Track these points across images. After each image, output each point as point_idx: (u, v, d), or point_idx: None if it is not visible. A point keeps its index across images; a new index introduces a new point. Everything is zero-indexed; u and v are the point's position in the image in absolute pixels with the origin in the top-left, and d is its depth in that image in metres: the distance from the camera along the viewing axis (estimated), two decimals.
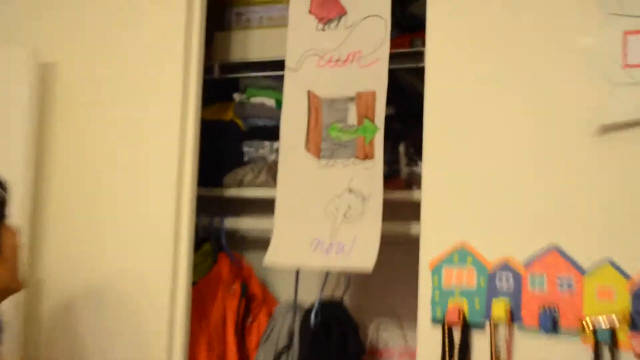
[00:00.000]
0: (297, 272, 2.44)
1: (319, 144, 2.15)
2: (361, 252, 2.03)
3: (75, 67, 2.39)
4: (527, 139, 1.85)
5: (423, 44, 2.05)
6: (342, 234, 2.07)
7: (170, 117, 2.26)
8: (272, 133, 2.39)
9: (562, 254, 1.77)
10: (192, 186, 2.27)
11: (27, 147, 2.27)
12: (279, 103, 2.35)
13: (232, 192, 2.52)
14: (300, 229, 2.14)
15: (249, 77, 2.55)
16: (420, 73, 2.03)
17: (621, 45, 1.74)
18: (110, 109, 2.34)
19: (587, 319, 1.73)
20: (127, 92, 2.33)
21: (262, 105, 2.53)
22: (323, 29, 2.19)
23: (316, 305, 2.34)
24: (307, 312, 2.37)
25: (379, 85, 2.08)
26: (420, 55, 2.11)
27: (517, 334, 1.80)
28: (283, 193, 2.19)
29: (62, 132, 2.39)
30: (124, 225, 2.19)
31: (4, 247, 1.48)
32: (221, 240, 2.57)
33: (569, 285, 1.76)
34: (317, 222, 2.12)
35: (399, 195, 2.22)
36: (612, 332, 1.70)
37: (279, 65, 2.28)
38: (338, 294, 2.46)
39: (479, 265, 1.85)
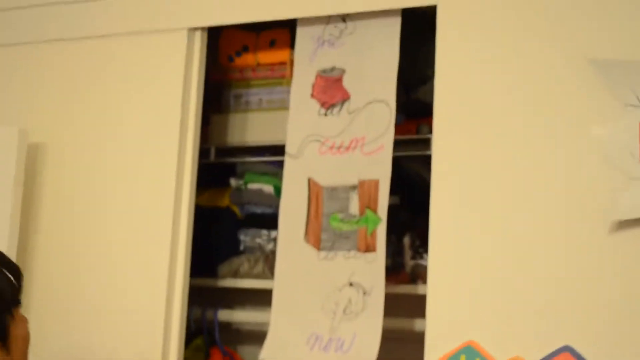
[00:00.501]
0: None
1: (319, 234, 2.15)
2: (361, 349, 2.01)
3: (66, 149, 2.41)
4: (539, 233, 1.84)
5: (430, 130, 2.07)
6: (342, 330, 2.06)
7: (163, 203, 2.26)
8: (270, 221, 2.39)
9: (575, 355, 1.76)
10: (184, 276, 2.26)
11: (11, 230, 2.27)
12: (277, 190, 2.35)
13: (227, 282, 2.50)
14: (298, 324, 2.12)
15: (247, 162, 2.57)
16: (427, 161, 2.04)
17: (638, 138, 1.76)
18: (101, 193, 2.35)
19: None
20: (119, 177, 2.33)
21: (260, 191, 2.53)
22: (325, 114, 2.21)
23: None
24: None
25: (383, 173, 2.09)
26: (427, 142, 2.13)
27: None
28: (280, 285, 2.18)
29: (48, 213, 2.39)
30: (111, 318, 2.16)
31: (14, 338, 1.46)
32: (214, 334, 2.54)
33: None
34: (315, 316, 2.10)
35: (403, 289, 2.21)
36: None
37: (279, 150, 2.29)
38: None
39: None
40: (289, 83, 2.33)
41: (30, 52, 2.50)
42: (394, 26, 2.15)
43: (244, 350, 2.62)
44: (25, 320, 1.52)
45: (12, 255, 2.19)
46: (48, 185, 2.41)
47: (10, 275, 1.49)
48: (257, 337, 2.26)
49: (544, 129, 1.87)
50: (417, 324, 2.10)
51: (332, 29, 2.24)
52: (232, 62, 2.53)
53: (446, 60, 2.00)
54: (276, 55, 2.47)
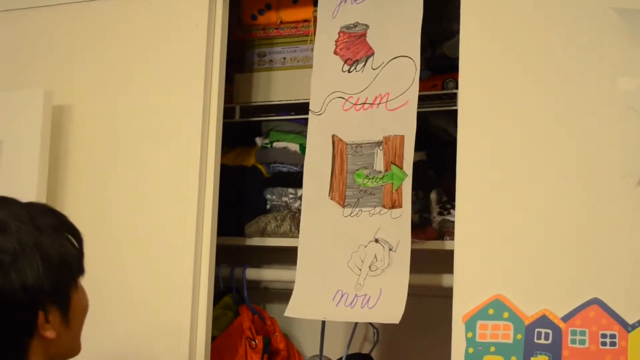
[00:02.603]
0: (323, 326, 2.43)
1: (344, 191, 2.14)
2: (388, 305, 2.01)
3: (90, 111, 2.41)
4: (567, 187, 1.83)
5: (456, 85, 2.06)
6: (368, 286, 2.05)
7: (189, 163, 2.26)
8: (296, 179, 2.39)
9: (605, 308, 1.74)
10: (211, 235, 2.26)
11: (39, 192, 2.28)
12: (303, 148, 2.34)
13: (254, 241, 2.52)
14: (324, 281, 2.13)
15: (272, 121, 2.56)
16: (453, 116, 2.03)
17: None
18: (126, 153, 2.35)
19: None
20: (144, 137, 2.34)
21: (285, 150, 2.53)
22: (349, 71, 2.19)
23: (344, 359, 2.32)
24: None
25: (408, 129, 2.07)
26: (452, 98, 2.12)
27: None
28: (306, 243, 2.18)
29: (75, 176, 2.40)
30: (140, 277, 2.18)
31: (74, 309, 1.43)
32: (242, 292, 2.56)
33: (613, 343, 1.73)
34: (341, 273, 2.10)
35: (430, 245, 2.21)
36: None
37: (303, 108, 2.29)
38: (366, 348, 2.44)
39: (515, 319, 1.82)
40: (312, 41, 2.31)
41: (54, 14, 2.50)
42: None
43: (272, 308, 2.65)
44: (84, 291, 1.50)
45: None
46: (74, 146, 2.41)
47: (75, 242, 1.46)
48: (284, 294, 2.26)
49: (570, 82, 1.85)
50: (445, 279, 2.10)
51: None
52: (255, 21, 2.52)
53: (472, 13, 1.97)
54: (299, 13, 2.46)
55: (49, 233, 1.39)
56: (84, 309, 1.47)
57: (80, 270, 1.46)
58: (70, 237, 1.44)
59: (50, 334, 1.35)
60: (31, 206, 1.45)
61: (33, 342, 1.34)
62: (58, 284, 1.38)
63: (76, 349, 1.47)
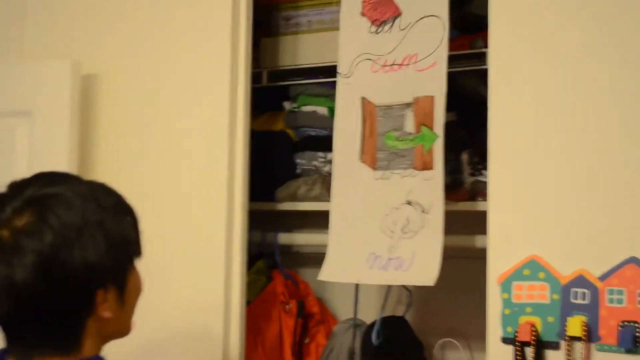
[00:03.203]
0: (357, 289, 2.44)
1: (375, 154, 2.14)
2: (421, 268, 2.01)
3: (118, 79, 2.41)
4: (602, 144, 1.81)
5: (485, 44, 2.05)
6: (401, 249, 2.06)
7: (218, 128, 2.26)
8: (325, 143, 2.38)
9: None
10: (243, 201, 2.27)
11: (70, 160, 2.29)
12: (331, 111, 2.34)
13: (286, 206, 2.52)
14: (356, 244, 2.13)
15: (300, 85, 2.55)
16: (483, 75, 2.01)
17: None
18: (155, 121, 2.36)
19: None
20: (172, 104, 2.33)
21: (314, 114, 2.52)
22: (377, 32, 2.18)
23: (377, 323, 2.33)
24: (368, 330, 2.36)
25: (438, 89, 2.06)
26: (482, 57, 2.10)
27: (595, 352, 1.77)
28: (337, 206, 2.18)
29: (105, 145, 2.41)
30: (172, 244, 2.18)
31: (129, 290, 1.44)
32: (275, 257, 2.58)
33: None
34: (373, 236, 2.11)
35: (462, 206, 2.21)
36: None
37: (331, 71, 2.27)
38: (400, 311, 2.44)
39: (551, 279, 1.82)
40: (338, 2, 2.28)
41: None
42: None
43: (305, 272, 2.66)
44: (139, 273, 1.50)
45: None
46: (103, 115, 2.42)
47: (134, 223, 1.46)
48: (317, 259, 2.26)
49: (609, 32, 1.83)
50: (478, 240, 2.09)
51: None
52: None
53: None
54: None
55: (110, 212, 1.40)
56: (138, 290, 1.48)
57: (137, 251, 1.46)
58: (129, 218, 1.45)
59: (107, 313, 1.36)
60: (92, 184, 1.46)
61: (90, 321, 1.35)
62: (118, 263, 1.39)
63: (127, 330, 1.48)
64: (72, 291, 1.32)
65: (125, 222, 1.43)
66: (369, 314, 2.44)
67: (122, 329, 1.46)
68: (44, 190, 1.36)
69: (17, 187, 1.38)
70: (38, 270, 1.28)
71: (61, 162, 2.26)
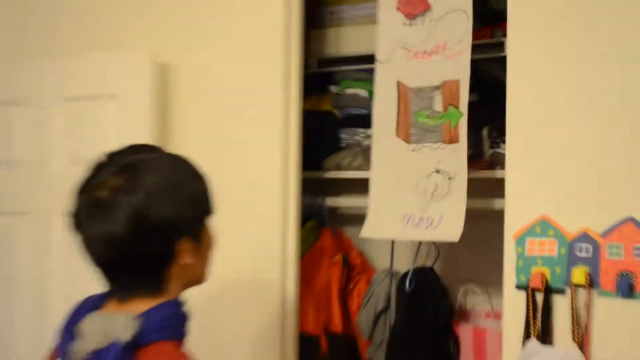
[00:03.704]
0: (392, 244, 2.47)
1: (408, 130, 2.16)
2: (448, 226, 2.04)
3: (191, 68, 2.43)
4: (605, 119, 1.82)
5: (504, 35, 2.04)
6: (431, 210, 2.08)
7: (275, 109, 2.29)
8: (365, 121, 2.41)
9: (638, 225, 1.75)
10: (296, 170, 2.30)
11: (150, 135, 2.33)
12: (370, 93, 2.35)
13: (332, 174, 2.54)
14: (393, 206, 2.16)
15: (343, 71, 2.56)
16: (501, 62, 2.01)
17: None
18: (220, 103, 2.38)
19: None
20: (235, 88, 2.36)
21: (355, 95, 2.54)
22: (410, 24, 2.18)
23: (410, 272, 2.36)
24: (402, 278, 2.39)
25: (463, 74, 2.07)
26: (501, 46, 2.11)
27: (596, 298, 1.79)
28: (376, 174, 2.21)
29: (179, 122, 2.44)
30: (239, 207, 2.21)
31: (204, 243, 1.47)
32: (323, 217, 2.62)
33: None
34: (407, 200, 2.13)
35: (483, 174, 2.21)
36: None
37: (370, 59, 2.28)
38: (429, 263, 2.47)
39: (559, 235, 1.84)
40: None
41: None
42: None
43: (348, 230, 2.68)
44: (211, 230, 1.52)
45: None
46: (176, 98, 2.44)
47: (207, 188, 1.48)
48: (358, 218, 2.29)
49: (615, 27, 1.82)
50: (496, 203, 2.11)
51: None
52: None
53: None
54: None
55: (190, 177, 1.43)
56: (211, 244, 1.50)
57: (210, 210, 1.48)
58: (203, 182, 1.47)
59: (186, 261, 1.39)
60: (174, 155, 1.48)
61: (172, 268, 1.39)
62: (194, 219, 1.42)
63: (204, 277, 1.51)
64: (158, 241, 1.35)
65: (201, 186, 1.45)
66: (403, 265, 2.45)
67: (199, 277, 1.49)
68: (136, 157, 1.40)
69: (112, 156, 1.41)
70: (132, 222, 1.31)
71: (143, 136, 2.29)
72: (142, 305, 1.36)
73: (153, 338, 1.32)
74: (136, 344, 1.30)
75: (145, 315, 1.33)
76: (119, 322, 1.31)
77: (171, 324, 1.36)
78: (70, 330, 1.38)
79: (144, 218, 1.32)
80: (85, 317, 1.37)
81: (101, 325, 1.32)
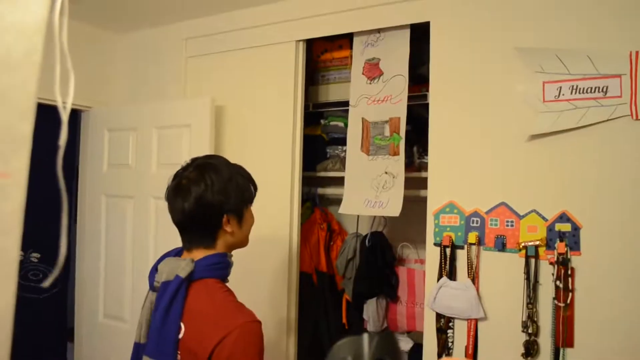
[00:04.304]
0: (358, 217, 2.46)
1: (369, 147, 2.15)
2: (392, 206, 2.02)
3: (235, 107, 2.43)
4: (487, 143, 1.81)
5: (427, 90, 2.03)
6: (382, 197, 2.07)
7: (287, 134, 2.28)
8: (343, 142, 2.39)
9: (508, 207, 1.75)
10: (299, 170, 2.29)
11: (210, 150, 2.30)
12: (346, 124, 2.34)
13: (321, 174, 2.52)
14: (359, 193, 2.14)
15: (329, 110, 2.54)
16: (425, 107, 2.01)
17: (541, 89, 1.68)
18: (254, 131, 2.37)
19: (522, 242, 1.70)
20: (263, 121, 2.35)
21: (336, 125, 2.52)
22: (370, 83, 2.17)
23: (369, 234, 2.36)
24: (364, 238, 2.38)
25: (402, 112, 2.06)
26: (425, 97, 2.10)
27: (482, 251, 1.79)
28: (349, 174, 2.19)
29: (228, 143, 2.43)
30: (265, 194, 2.19)
31: (244, 220, 1.40)
32: (315, 200, 2.60)
33: (512, 224, 1.74)
34: (367, 190, 2.12)
35: (413, 175, 2.20)
36: (536, 249, 1.68)
37: (345, 103, 2.27)
38: (380, 228, 2.47)
39: (460, 213, 1.84)
40: (350, 68, 2.28)
41: (218, 57, 2.51)
42: (406, 34, 2.09)
43: (331, 208, 2.67)
44: (252, 213, 1.47)
45: None
46: (227, 127, 2.44)
47: (252, 185, 1.44)
48: (337, 201, 2.29)
49: (491, 86, 1.82)
50: (422, 192, 2.09)
51: (372, 37, 2.19)
52: (319, 57, 2.50)
53: (436, 50, 1.95)
54: (342, 53, 2.43)
55: (237, 176, 1.40)
56: (251, 221, 1.44)
57: (250, 199, 1.43)
58: (248, 180, 1.44)
59: (229, 228, 1.36)
60: (231, 163, 1.44)
61: (220, 232, 1.36)
62: (237, 204, 1.38)
63: (244, 243, 1.45)
64: (211, 214, 1.34)
65: (245, 182, 1.42)
66: (364, 230, 2.46)
67: (242, 242, 1.43)
68: (205, 161, 1.40)
69: (192, 160, 1.42)
70: (196, 202, 1.32)
71: (205, 150, 2.29)
72: (199, 254, 1.35)
73: (202, 275, 1.31)
74: (190, 278, 1.29)
75: (199, 261, 1.33)
76: (181, 264, 1.31)
77: (215, 267, 1.33)
78: (156, 268, 1.38)
79: (202, 200, 1.32)
80: (164, 260, 1.36)
81: (170, 265, 1.33)
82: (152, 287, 1.37)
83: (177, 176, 1.38)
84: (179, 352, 1.24)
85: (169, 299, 1.26)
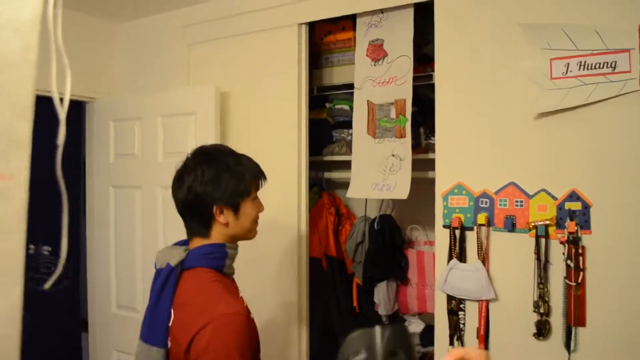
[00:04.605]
0: (366, 200, 2.46)
1: (375, 130, 2.13)
2: (400, 189, 2.01)
3: (239, 94, 2.41)
4: (495, 122, 1.79)
5: (432, 70, 2.01)
6: (389, 180, 2.06)
7: (292, 118, 2.27)
8: (348, 125, 2.37)
9: (517, 187, 1.73)
10: (306, 155, 2.28)
11: (215, 138, 2.31)
12: (351, 107, 2.31)
13: (328, 158, 2.52)
14: (365, 177, 2.13)
15: (334, 94, 2.52)
16: (431, 87, 1.99)
17: (549, 66, 1.65)
18: (260, 116, 2.36)
19: (532, 222, 1.69)
20: (269, 107, 2.33)
21: (342, 109, 2.50)
22: (374, 65, 2.15)
23: (377, 217, 2.36)
24: (372, 221, 2.38)
25: (408, 94, 2.04)
26: (430, 77, 2.07)
27: (492, 232, 1.78)
28: (355, 158, 2.18)
29: (234, 129, 2.42)
30: (272, 180, 2.17)
31: (242, 212, 1.37)
32: (323, 185, 2.59)
33: (521, 204, 1.72)
34: (374, 173, 2.11)
35: (421, 156, 2.18)
36: (546, 229, 1.67)
37: (350, 86, 2.25)
38: (389, 211, 2.46)
39: (469, 194, 1.82)
40: (353, 50, 2.25)
41: (220, 44, 2.48)
42: (409, 13, 2.06)
43: (339, 192, 2.67)
44: (258, 205, 1.42)
45: None
46: (231, 114, 2.43)
47: (256, 176, 1.41)
48: (344, 185, 2.29)
49: (497, 64, 1.78)
50: (430, 174, 2.08)
51: (376, 17, 2.16)
52: (322, 40, 2.47)
53: (441, 30, 1.92)
54: (346, 35, 2.39)
55: (234, 169, 1.36)
56: (251, 214, 1.39)
57: (248, 192, 1.37)
58: (253, 174, 1.40)
59: (222, 220, 1.34)
60: (236, 155, 1.41)
61: (214, 223, 1.35)
62: (230, 195, 1.34)
63: (250, 234, 1.41)
64: (200, 205, 1.33)
65: (243, 175, 1.37)
66: (372, 213, 2.46)
67: (243, 234, 1.39)
68: (202, 150, 1.41)
69: (196, 148, 1.42)
70: (187, 192, 1.33)
71: (210, 138, 2.29)
72: (197, 243, 1.36)
73: (193, 264, 1.32)
74: (181, 267, 1.31)
75: (192, 250, 1.34)
76: (173, 253, 1.33)
77: (208, 257, 1.33)
78: None
79: (192, 190, 1.33)
80: (161, 249, 1.39)
81: (165, 254, 1.35)
82: None
83: (179, 166, 1.39)
84: (169, 339, 1.26)
85: (160, 286, 1.29)
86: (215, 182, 1.32)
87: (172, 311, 1.27)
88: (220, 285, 1.27)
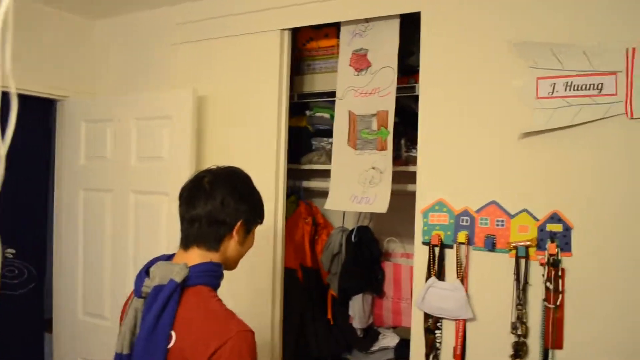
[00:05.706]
0: (344, 213, 2.41)
1: (355, 141, 2.08)
2: (379, 202, 1.97)
3: (217, 99, 2.34)
4: (479, 139, 1.75)
5: (416, 81, 1.97)
6: (369, 192, 2.01)
7: (272, 125, 2.20)
8: (329, 133, 2.32)
9: (499, 206, 1.70)
10: (284, 163, 2.22)
11: (191, 143, 2.23)
12: (332, 116, 2.27)
13: (306, 166, 2.46)
14: (345, 189, 2.08)
15: (314, 101, 2.46)
16: (414, 98, 1.94)
17: (535, 85, 1.62)
18: (238, 121, 2.28)
19: (512, 243, 1.66)
20: (248, 112, 2.26)
21: (322, 117, 2.45)
22: (357, 75, 2.10)
23: (355, 229, 2.31)
24: (350, 233, 2.33)
25: (390, 106, 1.99)
26: (414, 88, 2.03)
27: (472, 251, 1.74)
28: (335, 168, 2.12)
29: (210, 134, 2.34)
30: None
31: (247, 240, 1.36)
32: (301, 194, 2.53)
33: (502, 224, 1.69)
34: (354, 185, 2.05)
35: (401, 169, 2.14)
36: (526, 250, 1.64)
37: (332, 94, 2.19)
38: (367, 223, 2.42)
39: (450, 211, 1.78)
40: (336, 57, 2.19)
41: (201, 45, 2.40)
42: (395, 23, 2.01)
43: (316, 202, 2.61)
44: (254, 236, 1.41)
45: (192, 169, 2.16)
46: (209, 118, 2.35)
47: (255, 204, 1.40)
48: (323, 194, 2.23)
49: (486, 79, 1.75)
50: (410, 187, 2.04)
51: (360, 26, 2.11)
52: (305, 46, 2.41)
53: (426, 42, 1.88)
54: (329, 42, 2.34)
55: (259, 195, 1.41)
56: (250, 243, 1.39)
57: (261, 218, 1.41)
58: (259, 207, 1.41)
59: (236, 237, 1.31)
60: (246, 179, 1.41)
61: (227, 238, 1.31)
62: (253, 216, 1.36)
63: (234, 265, 1.38)
64: (229, 216, 1.30)
65: (261, 202, 1.41)
66: (350, 223, 2.41)
67: (234, 260, 1.37)
68: (231, 169, 1.39)
69: (216, 166, 1.39)
70: (221, 201, 1.29)
71: (186, 144, 2.21)
72: (194, 255, 1.29)
73: (196, 281, 1.25)
74: (184, 284, 1.23)
75: (193, 267, 1.26)
76: (175, 269, 1.24)
77: (210, 275, 1.28)
78: (146, 272, 1.30)
79: (227, 200, 1.30)
80: (156, 264, 1.29)
81: (164, 269, 1.25)
82: (138, 294, 1.27)
83: (199, 176, 1.35)
84: None
85: (161, 305, 1.19)
86: (248, 199, 1.35)
87: (171, 332, 1.19)
88: (223, 304, 1.24)
